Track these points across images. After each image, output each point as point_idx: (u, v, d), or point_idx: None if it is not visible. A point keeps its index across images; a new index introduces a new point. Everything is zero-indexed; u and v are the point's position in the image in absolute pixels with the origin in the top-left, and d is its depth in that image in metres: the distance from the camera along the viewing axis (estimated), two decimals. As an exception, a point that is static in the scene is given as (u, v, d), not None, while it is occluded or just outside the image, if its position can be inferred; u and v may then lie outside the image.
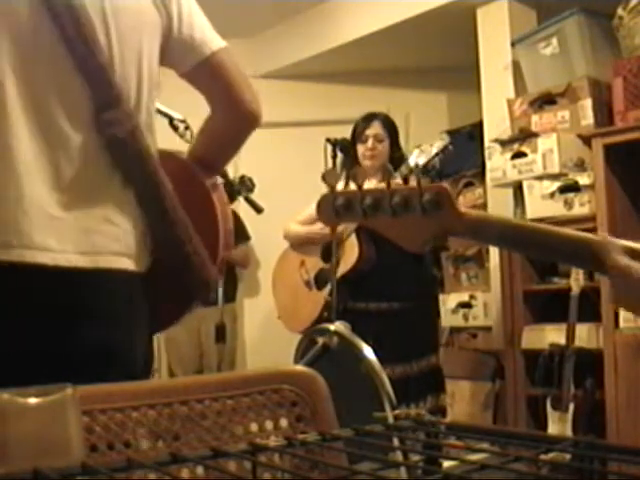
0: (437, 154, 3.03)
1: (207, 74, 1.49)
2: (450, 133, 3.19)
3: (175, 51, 1.46)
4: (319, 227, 3.31)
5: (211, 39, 1.48)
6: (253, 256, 5.14)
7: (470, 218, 0.87)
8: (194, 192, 1.52)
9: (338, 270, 3.11)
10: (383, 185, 0.93)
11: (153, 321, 1.44)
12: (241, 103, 1.49)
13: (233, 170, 4.94)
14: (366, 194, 0.89)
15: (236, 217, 4.42)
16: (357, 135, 3.26)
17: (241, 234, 4.76)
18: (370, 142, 3.22)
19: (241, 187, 2.91)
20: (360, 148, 3.24)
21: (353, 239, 3.15)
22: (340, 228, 3.02)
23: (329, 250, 3.08)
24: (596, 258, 0.88)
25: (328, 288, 3.13)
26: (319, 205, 0.96)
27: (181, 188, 1.45)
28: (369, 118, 3.29)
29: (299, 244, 3.46)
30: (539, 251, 0.94)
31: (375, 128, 3.25)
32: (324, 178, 0.95)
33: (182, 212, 1.40)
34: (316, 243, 3.36)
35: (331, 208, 0.92)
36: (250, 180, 2.94)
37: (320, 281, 3.34)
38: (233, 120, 1.53)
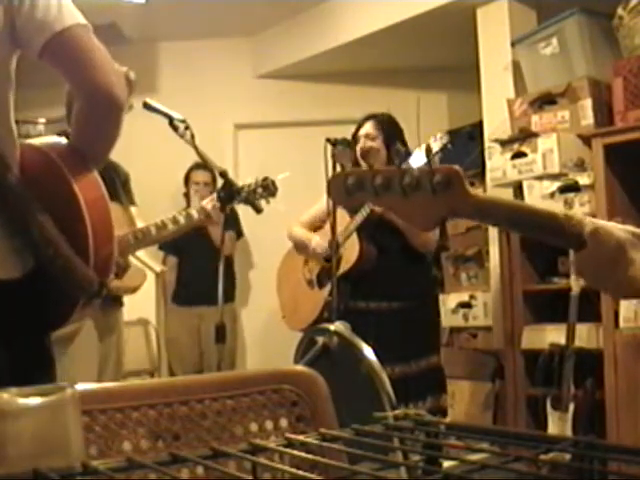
0: (436, 153, 3.03)
1: (56, 54, 1.39)
2: (450, 133, 3.18)
3: (22, 33, 1.37)
4: (317, 239, 3.32)
5: (58, 18, 1.37)
6: (252, 256, 5.13)
7: (479, 200, 0.89)
8: (58, 189, 1.43)
9: (339, 268, 3.11)
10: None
11: (44, 322, 1.44)
12: (95, 84, 1.39)
13: (233, 169, 4.96)
14: (377, 174, 0.89)
15: (232, 211, 4.38)
16: (354, 137, 3.30)
17: (233, 226, 4.67)
18: (362, 141, 3.26)
19: (264, 190, 2.85)
20: (356, 148, 3.27)
21: (354, 238, 3.16)
22: (338, 230, 3.02)
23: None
24: (572, 232, 0.92)
25: (329, 287, 3.13)
26: (330, 184, 0.95)
27: (46, 186, 1.39)
28: (365, 119, 3.34)
29: (298, 248, 3.47)
30: (545, 234, 0.95)
31: (366, 128, 3.30)
32: (334, 157, 0.94)
33: (39, 215, 1.34)
34: (307, 255, 3.38)
35: (342, 187, 0.91)
36: (273, 183, 2.87)
37: (322, 280, 3.34)
38: (89, 103, 1.43)
